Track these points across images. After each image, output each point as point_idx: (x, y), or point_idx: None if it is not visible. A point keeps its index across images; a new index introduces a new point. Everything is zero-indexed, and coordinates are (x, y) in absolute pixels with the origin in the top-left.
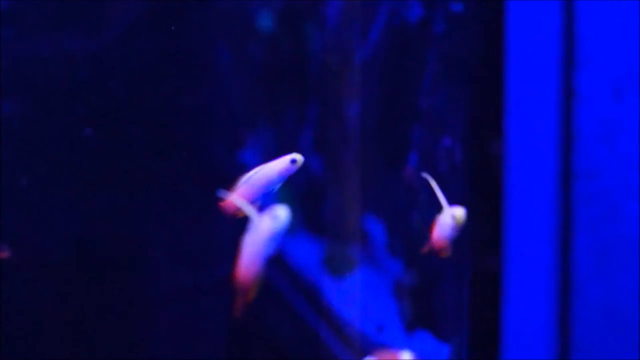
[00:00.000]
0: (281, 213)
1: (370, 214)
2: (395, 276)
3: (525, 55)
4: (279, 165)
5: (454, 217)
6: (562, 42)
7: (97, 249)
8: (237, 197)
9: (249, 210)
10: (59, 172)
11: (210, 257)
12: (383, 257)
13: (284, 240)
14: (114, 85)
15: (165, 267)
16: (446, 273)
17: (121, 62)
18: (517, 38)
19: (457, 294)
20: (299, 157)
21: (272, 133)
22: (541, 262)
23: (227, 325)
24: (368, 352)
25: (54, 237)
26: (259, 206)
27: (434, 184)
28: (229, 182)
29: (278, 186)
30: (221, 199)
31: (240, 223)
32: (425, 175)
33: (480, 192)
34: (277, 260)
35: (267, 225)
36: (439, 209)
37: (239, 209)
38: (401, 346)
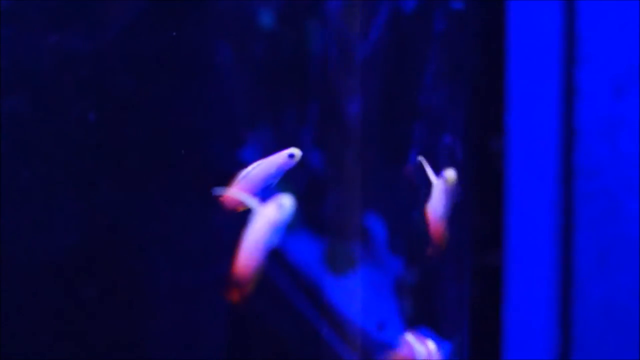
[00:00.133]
0: (286, 202)
1: (371, 211)
2: (396, 274)
3: (526, 53)
4: (277, 160)
5: (445, 180)
6: (563, 40)
7: (97, 247)
8: (236, 191)
9: (251, 201)
10: (59, 170)
11: (210, 255)
12: (384, 254)
13: (284, 238)
14: (114, 84)
15: (165, 265)
16: (447, 271)
17: (121, 60)
18: (518, 36)
19: (458, 292)
20: (297, 151)
21: (273, 131)
22: (542, 260)
23: (228, 323)
24: (368, 351)
25: (53, 235)
26: (258, 201)
27: (425, 164)
28: (229, 180)
29: (276, 181)
30: (221, 195)
31: (241, 220)
32: (420, 158)
33: (482, 189)
34: (277, 258)
35: (272, 214)
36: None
37: (238, 204)
38: (401, 344)
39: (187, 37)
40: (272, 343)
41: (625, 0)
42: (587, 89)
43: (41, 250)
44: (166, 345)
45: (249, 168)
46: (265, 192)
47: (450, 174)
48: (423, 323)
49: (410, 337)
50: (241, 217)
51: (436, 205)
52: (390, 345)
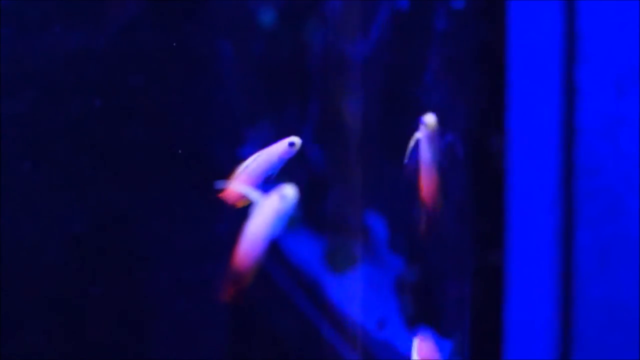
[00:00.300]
0: (289, 192)
1: (371, 209)
2: (396, 272)
3: (527, 51)
4: (277, 149)
5: (425, 125)
6: (563, 38)
7: (97, 245)
8: (238, 184)
9: (252, 193)
10: (60, 168)
11: (211, 253)
12: (384, 253)
13: (285, 236)
14: (114, 82)
15: (165, 262)
16: (447, 269)
17: (121, 59)
18: (518, 33)
19: (459, 291)
20: (297, 139)
21: (273, 129)
22: (543, 259)
23: (228, 322)
24: (368, 349)
25: (54, 234)
26: (260, 193)
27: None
28: (229, 177)
29: (277, 171)
30: (221, 190)
31: (241, 217)
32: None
33: (482, 188)
34: (278, 256)
35: (275, 204)
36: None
37: (239, 198)
38: (402, 343)
39: (187, 35)
40: (272, 342)
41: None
42: (588, 88)
43: (42, 248)
44: (167, 344)
45: (250, 159)
46: (266, 184)
47: (429, 118)
48: (423, 322)
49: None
50: (242, 213)
51: (424, 154)
52: (391, 344)
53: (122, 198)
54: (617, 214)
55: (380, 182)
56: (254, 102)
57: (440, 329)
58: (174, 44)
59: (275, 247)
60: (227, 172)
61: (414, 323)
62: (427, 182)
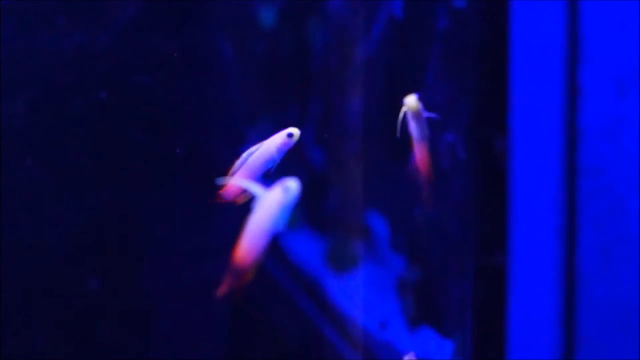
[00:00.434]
0: (292, 185)
1: (373, 209)
2: (398, 272)
3: (529, 52)
4: (276, 141)
5: (407, 107)
6: (566, 39)
7: (97, 244)
8: (237, 178)
9: (253, 187)
10: (59, 168)
11: (212, 252)
12: (386, 253)
13: (286, 235)
14: (114, 81)
15: (166, 262)
16: (450, 269)
17: (121, 58)
18: (520, 34)
19: (461, 291)
20: (295, 130)
21: (274, 128)
22: (546, 259)
23: (229, 322)
24: (370, 349)
25: (53, 233)
26: (261, 186)
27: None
28: (228, 173)
29: (276, 163)
30: (220, 187)
31: (242, 214)
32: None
33: (485, 189)
34: (279, 256)
35: (278, 197)
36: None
37: (238, 195)
38: (404, 343)
39: (189, 34)
40: (273, 341)
41: (628, 0)
42: (591, 88)
43: (41, 248)
44: (168, 344)
45: (247, 153)
46: (265, 179)
47: (410, 100)
48: (425, 322)
49: None
50: (242, 211)
51: (412, 131)
52: (392, 344)
53: (123, 197)
54: (620, 214)
55: (382, 182)
56: (254, 102)
57: (442, 329)
58: (175, 44)
59: (277, 247)
60: (227, 172)
61: (416, 323)
62: (418, 153)
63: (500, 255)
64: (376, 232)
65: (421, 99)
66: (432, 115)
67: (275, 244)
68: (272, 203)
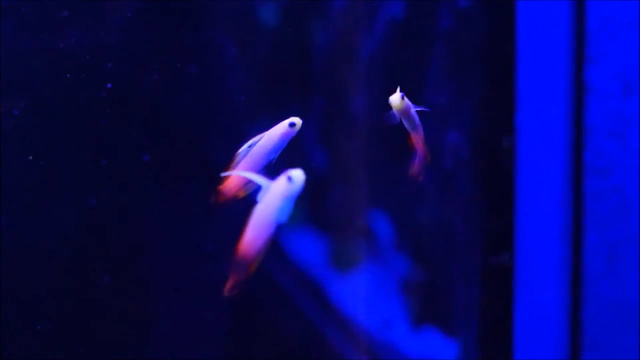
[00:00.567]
0: (297, 175)
1: (376, 209)
2: (401, 272)
3: (536, 51)
4: (278, 131)
5: (390, 104)
6: (572, 38)
7: (99, 243)
8: (240, 171)
9: (257, 178)
10: (59, 166)
11: (214, 251)
12: (389, 252)
13: (289, 235)
14: (114, 79)
15: (167, 261)
16: (455, 269)
17: (122, 55)
18: (527, 34)
19: (467, 291)
20: (297, 120)
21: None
22: (552, 259)
23: (231, 322)
24: (373, 349)
25: (55, 231)
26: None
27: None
28: (229, 167)
29: (277, 154)
30: (220, 184)
31: (244, 213)
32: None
33: (491, 188)
34: (282, 256)
35: (283, 187)
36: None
37: (239, 189)
38: (407, 343)
39: (189, 31)
40: (275, 342)
41: (634, 0)
42: (597, 87)
43: (43, 246)
44: (170, 343)
45: (248, 144)
46: (267, 169)
47: (392, 100)
48: (429, 322)
49: None
50: (244, 210)
51: (405, 124)
52: (395, 344)
53: (124, 196)
54: (626, 213)
55: (385, 181)
56: (256, 100)
57: (446, 330)
58: (176, 42)
59: (279, 247)
60: (228, 168)
61: (420, 324)
62: (414, 139)
63: (506, 255)
64: (379, 232)
65: (408, 94)
66: (422, 108)
67: (278, 244)
68: (277, 193)
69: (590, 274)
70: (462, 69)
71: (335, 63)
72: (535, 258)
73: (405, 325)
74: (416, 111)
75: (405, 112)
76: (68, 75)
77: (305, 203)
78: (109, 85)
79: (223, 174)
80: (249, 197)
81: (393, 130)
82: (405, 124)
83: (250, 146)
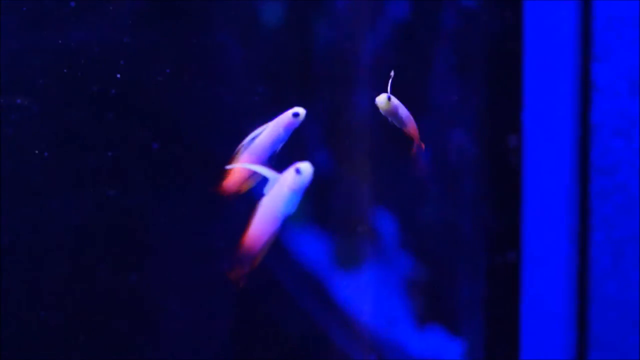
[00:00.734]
0: (305, 167)
1: (381, 208)
2: (406, 271)
3: (542, 50)
4: (281, 122)
5: (377, 105)
6: (579, 37)
7: (104, 239)
8: (246, 164)
9: (264, 170)
10: (65, 165)
11: (218, 248)
12: (394, 251)
13: (292, 234)
14: (117, 80)
15: (171, 258)
16: (460, 268)
17: (126, 53)
18: (533, 33)
19: (473, 290)
20: (301, 109)
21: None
22: (558, 258)
23: (235, 322)
24: (377, 348)
25: (58, 229)
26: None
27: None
28: (232, 160)
29: (282, 145)
30: (222, 179)
31: (247, 207)
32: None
33: (498, 187)
34: (285, 255)
35: (291, 180)
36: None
37: (243, 183)
38: (412, 342)
39: (193, 31)
40: (278, 341)
41: None
42: (603, 86)
43: (46, 245)
44: (172, 342)
45: (252, 134)
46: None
47: (378, 100)
48: (434, 321)
49: None
50: (247, 210)
51: (397, 123)
52: (399, 343)
53: (126, 195)
54: (633, 212)
55: (390, 180)
56: (259, 99)
57: (452, 329)
58: (178, 41)
59: (283, 246)
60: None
61: (424, 323)
62: (409, 131)
63: (513, 253)
64: (383, 231)
65: (413, 94)
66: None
67: (282, 243)
68: (284, 186)
69: (597, 272)
70: (468, 68)
71: (339, 61)
72: (541, 257)
73: (410, 324)
74: (407, 108)
75: (392, 112)
76: (72, 73)
77: (309, 202)
78: (114, 83)
79: (228, 167)
80: (253, 191)
81: (397, 129)
82: (395, 122)
83: (253, 138)
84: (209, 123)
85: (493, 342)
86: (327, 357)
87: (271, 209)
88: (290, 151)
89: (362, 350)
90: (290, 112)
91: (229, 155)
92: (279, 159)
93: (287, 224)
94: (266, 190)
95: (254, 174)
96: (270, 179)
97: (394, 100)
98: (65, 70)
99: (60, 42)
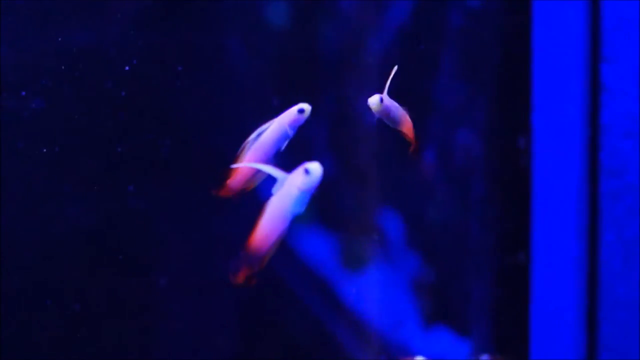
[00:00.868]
0: (314, 167)
1: (387, 208)
2: (414, 272)
3: (551, 52)
4: (286, 118)
5: (370, 107)
6: (588, 38)
7: (110, 242)
8: (249, 161)
9: (272, 170)
10: (68, 165)
11: (223, 248)
12: (401, 252)
13: (299, 234)
14: (121, 80)
15: (176, 258)
16: (469, 269)
17: (127, 54)
18: (542, 34)
19: (482, 291)
20: (306, 106)
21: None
22: (568, 259)
23: (241, 321)
24: (384, 349)
25: (63, 229)
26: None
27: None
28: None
29: (287, 142)
30: (226, 178)
31: (254, 212)
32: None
33: (507, 188)
34: (291, 255)
35: (300, 180)
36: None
37: (247, 182)
38: (418, 343)
39: (198, 31)
40: (284, 341)
41: None
42: (612, 87)
43: (48, 245)
44: (177, 343)
45: (257, 131)
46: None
47: (372, 102)
48: (441, 322)
49: None
50: (250, 210)
51: (389, 124)
52: (406, 343)
53: (131, 195)
54: None
55: (397, 180)
56: (266, 99)
57: (459, 329)
58: (183, 41)
59: (289, 246)
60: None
61: (432, 323)
62: (404, 131)
63: (522, 254)
64: (390, 231)
65: (419, 93)
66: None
67: (288, 243)
68: (293, 186)
69: (607, 273)
70: (477, 69)
71: (346, 62)
72: (551, 258)
73: (417, 324)
74: (411, 109)
75: (385, 113)
76: (77, 73)
77: (315, 201)
78: (119, 83)
79: (234, 166)
80: (260, 190)
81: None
82: (389, 123)
83: (258, 134)
84: (214, 122)
85: (503, 343)
86: (334, 357)
87: (280, 209)
88: (296, 150)
89: (370, 351)
90: (295, 108)
91: (235, 153)
92: (286, 158)
93: (293, 224)
94: (274, 190)
95: (259, 172)
96: (278, 179)
97: (387, 101)
98: (70, 71)
99: (65, 41)
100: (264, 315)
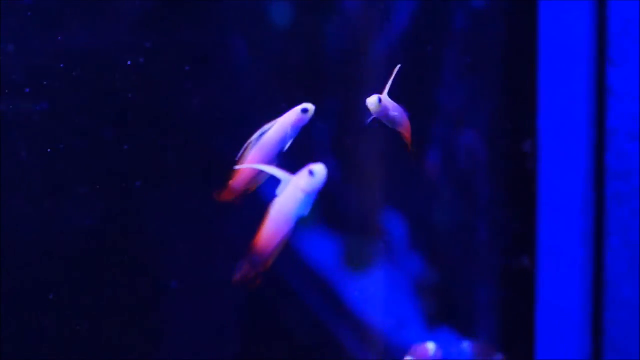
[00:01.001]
0: (319, 169)
1: (391, 209)
2: (416, 272)
3: (557, 54)
4: (291, 118)
5: (368, 107)
6: (594, 41)
7: (113, 243)
8: (257, 165)
9: (275, 171)
10: (72, 166)
11: (226, 249)
12: (404, 252)
13: (302, 235)
14: (124, 81)
15: (179, 259)
16: (474, 271)
17: (133, 56)
18: (549, 35)
19: (487, 293)
20: (310, 105)
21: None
22: (574, 262)
23: (244, 322)
24: (388, 350)
25: (65, 230)
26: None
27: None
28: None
29: (290, 142)
30: (228, 179)
31: (258, 214)
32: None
33: (513, 191)
34: (295, 256)
35: (304, 182)
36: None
37: (250, 183)
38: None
39: (200, 30)
40: (287, 342)
41: None
42: (618, 90)
43: (50, 244)
44: (180, 343)
45: (260, 131)
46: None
47: (369, 102)
48: (447, 324)
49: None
50: (254, 210)
51: (388, 124)
52: (410, 345)
53: (134, 196)
54: None
55: (401, 182)
56: (270, 100)
57: (466, 332)
58: (186, 41)
59: (292, 247)
60: (238, 163)
61: (435, 324)
62: (402, 132)
63: (528, 257)
64: (394, 232)
65: (423, 95)
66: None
67: (291, 245)
68: (297, 188)
69: (612, 276)
70: (483, 72)
71: (351, 62)
72: (557, 260)
73: (420, 326)
74: (414, 110)
75: (382, 113)
76: (79, 74)
77: (319, 202)
78: (122, 84)
79: (238, 167)
80: (264, 192)
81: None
82: (387, 123)
83: (262, 134)
84: (217, 123)
85: (508, 345)
86: (338, 358)
87: (284, 210)
88: (300, 151)
89: (371, 352)
90: (299, 108)
91: (237, 153)
92: (289, 158)
93: (297, 225)
94: (278, 191)
95: (262, 172)
96: (282, 181)
97: (386, 101)
98: (73, 71)
99: (68, 42)
100: (268, 316)
